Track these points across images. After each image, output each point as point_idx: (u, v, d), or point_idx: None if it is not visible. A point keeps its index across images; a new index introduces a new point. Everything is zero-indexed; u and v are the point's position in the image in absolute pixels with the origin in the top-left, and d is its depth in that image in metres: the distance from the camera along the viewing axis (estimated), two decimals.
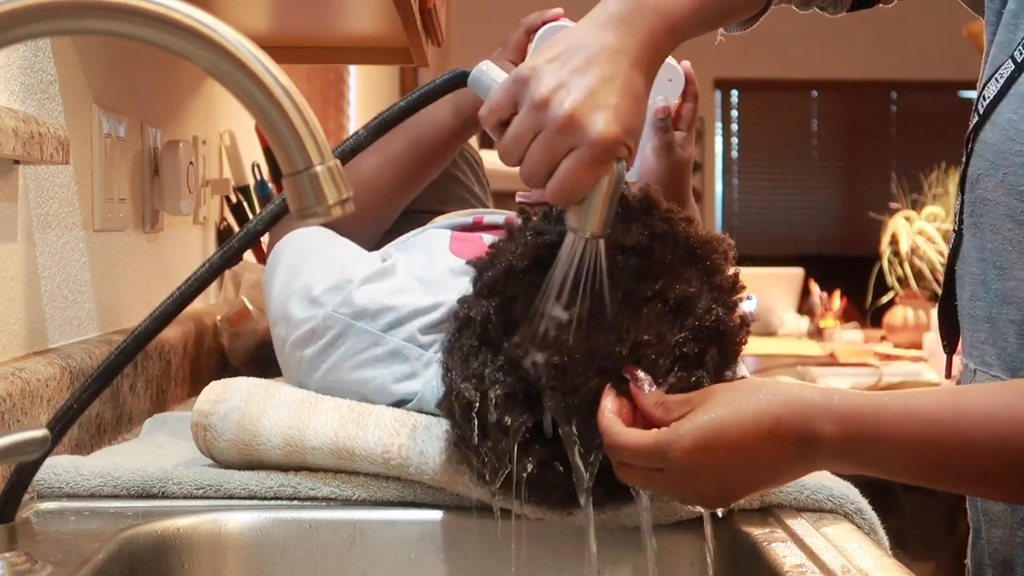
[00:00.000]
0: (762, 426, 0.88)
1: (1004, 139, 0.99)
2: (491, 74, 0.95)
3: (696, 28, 1.02)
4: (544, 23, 1.30)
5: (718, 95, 8.04)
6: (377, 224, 1.37)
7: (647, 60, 0.94)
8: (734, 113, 8.14)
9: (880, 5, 1.21)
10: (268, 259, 1.30)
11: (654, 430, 0.89)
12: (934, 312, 1.16)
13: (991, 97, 1.02)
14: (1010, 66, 1.01)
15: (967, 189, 1.04)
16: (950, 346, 1.13)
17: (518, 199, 1.01)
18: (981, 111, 1.03)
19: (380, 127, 0.94)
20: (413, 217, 1.56)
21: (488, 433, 0.96)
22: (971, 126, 1.04)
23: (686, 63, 1.25)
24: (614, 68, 0.91)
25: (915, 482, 0.96)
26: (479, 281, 0.99)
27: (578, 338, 0.92)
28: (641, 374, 0.92)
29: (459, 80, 0.96)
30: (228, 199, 2.08)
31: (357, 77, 4.04)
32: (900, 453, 0.89)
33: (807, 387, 0.91)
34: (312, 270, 1.22)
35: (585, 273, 0.92)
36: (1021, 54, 1.00)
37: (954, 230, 1.08)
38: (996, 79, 1.02)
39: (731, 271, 1.00)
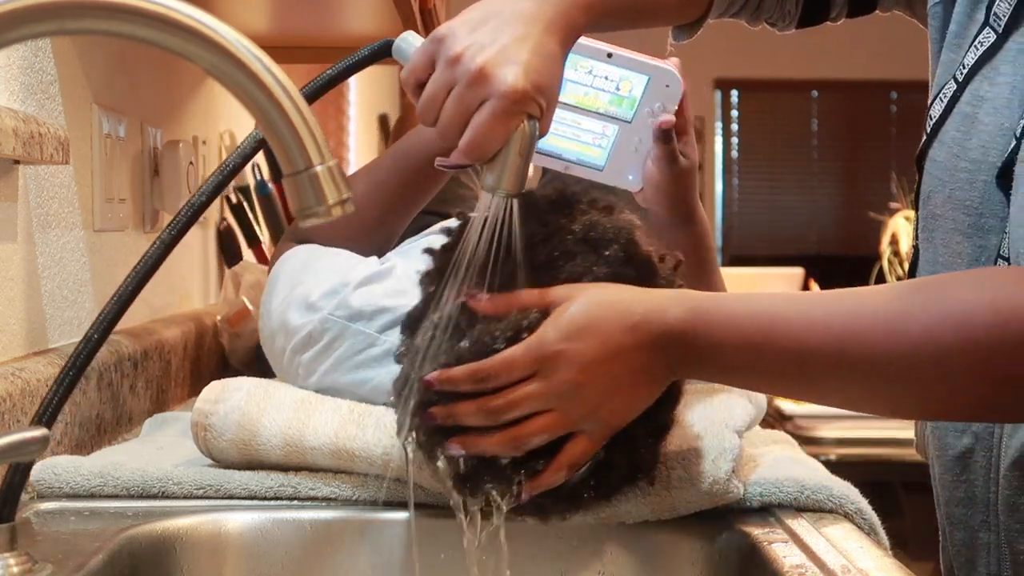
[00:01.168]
0: (627, 319, 0.91)
1: (950, 156, 1.02)
2: (413, 42, 0.97)
3: (615, 15, 1.05)
4: None
5: (718, 95, 8.04)
6: (374, 246, 1.34)
7: (562, 28, 0.97)
8: (734, 113, 8.14)
9: (828, 23, 1.22)
10: (268, 277, 1.29)
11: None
12: None
13: (936, 116, 1.05)
14: (952, 86, 1.04)
15: (920, 206, 1.07)
16: None
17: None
18: (928, 130, 1.05)
19: (309, 96, 0.95)
20: (416, 218, 1.56)
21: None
22: (920, 145, 1.06)
23: (674, 60, 1.22)
24: (527, 29, 0.94)
25: (756, 384, 0.99)
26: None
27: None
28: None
29: (384, 50, 0.98)
30: (228, 199, 2.08)
31: (357, 77, 4.04)
32: (736, 340, 0.91)
33: (662, 290, 0.95)
34: (310, 280, 1.22)
35: (500, 231, 0.93)
36: (962, 74, 1.03)
37: (912, 245, 1.10)
38: (941, 98, 1.05)
39: (639, 253, 0.98)
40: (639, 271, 0.97)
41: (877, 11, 1.20)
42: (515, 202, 0.94)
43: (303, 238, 1.32)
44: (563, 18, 0.97)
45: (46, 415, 0.88)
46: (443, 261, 0.98)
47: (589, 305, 0.92)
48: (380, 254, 1.33)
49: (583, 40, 1.14)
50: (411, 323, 0.98)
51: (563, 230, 0.97)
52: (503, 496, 0.95)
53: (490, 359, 0.91)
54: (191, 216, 0.94)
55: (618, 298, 0.93)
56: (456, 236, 0.99)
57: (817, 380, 0.93)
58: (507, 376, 0.91)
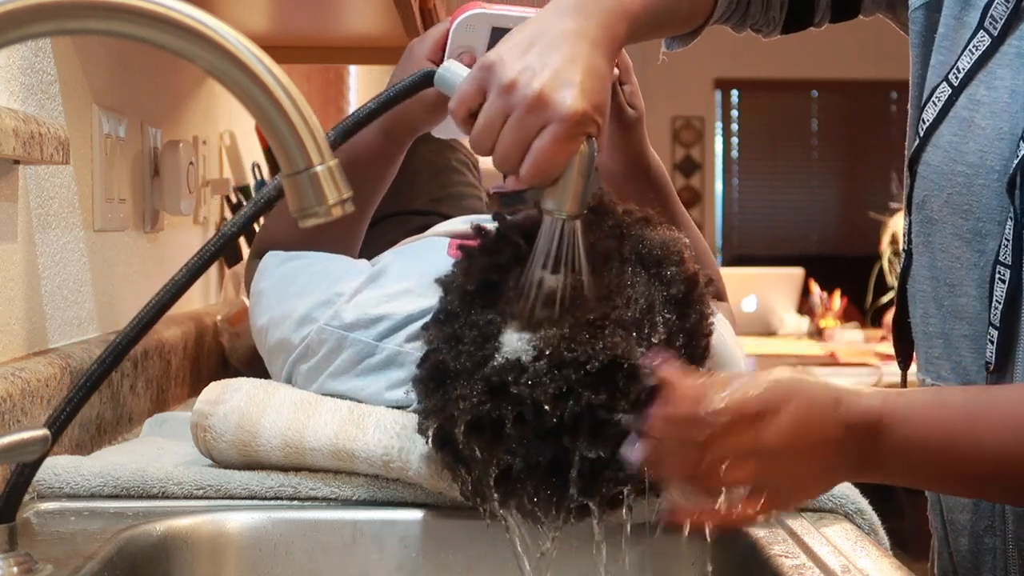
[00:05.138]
0: (830, 404, 0.87)
1: (947, 160, 1.02)
2: (457, 71, 0.96)
3: (650, 25, 1.05)
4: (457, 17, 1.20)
5: (718, 95, 8.04)
6: (340, 243, 1.32)
7: (606, 43, 0.97)
8: (734, 113, 8.14)
9: (812, 29, 1.22)
10: (250, 296, 1.28)
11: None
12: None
13: (930, 120, 1.05)
14: (947, 89, 1.04)
15: (914, 210, 1.07)
16: (904, 361, 1.15)
17: (492, 191, 1.01)
18: (921, 134, 1.05)
19: (351, 128, 0.95)
20: (409, 218, 1.55)
21: (464, 458, 0.97)
22: (912, 148, 1.06)
23: None
24: (575, 50, 0.94)
25: (937, 490, 0.99)
26: (441, 305, 0.99)
27: (564, 316, 0.93)
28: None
29: (426, 80, 0.98)
30: (228, 199, 2.08)
31: (357, 77, 4.04)
32: (922, 444, 0.88)
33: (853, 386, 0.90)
34: (298, 292, 1.21)
35: (565, 254, 0.93)
36: (956, 78, 1.03)
37: (903, 250, 1.10)
38: (934, 102, 1.04)
39: (688, 271, 0.99)
40: (688, 288, 0.98)
41: (860, 16, 1.21)
42: (578, 224, 0.93)
43: (264, 250, 1.30)
44: (607, 32, 0.97)
45: (55, 426, 0.88)
46: (484, 262, 0.97)
47: (802, 405, 0.87)
48: (351, 254, 1.32)
49: (509, 10, 1.13)
50: (446, 318, 0.97)
51: (615, 252, 0.97)
52: (538, 507, 0.95)
53: (716, 406, 0.86)
54: (219, 247, 0.93)
55: (822, 392, 0.88)
56: (495, 238, 0.98)
57: (997, 498, 0.96)
58: (732, 421, 0.86)
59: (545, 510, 0.95)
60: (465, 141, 1.26)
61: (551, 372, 0.91)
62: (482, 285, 0.97)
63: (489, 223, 1.02)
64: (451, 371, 0.95)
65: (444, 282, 1.00)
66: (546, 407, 0.91)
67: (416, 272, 1.18)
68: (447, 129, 1.23)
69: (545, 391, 0.91)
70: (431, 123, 1.24)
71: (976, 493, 0.99)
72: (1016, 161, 0.96)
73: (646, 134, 1.30)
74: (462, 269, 0.99)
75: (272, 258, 1.27)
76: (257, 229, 2.13)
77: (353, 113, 0.96)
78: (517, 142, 0.91)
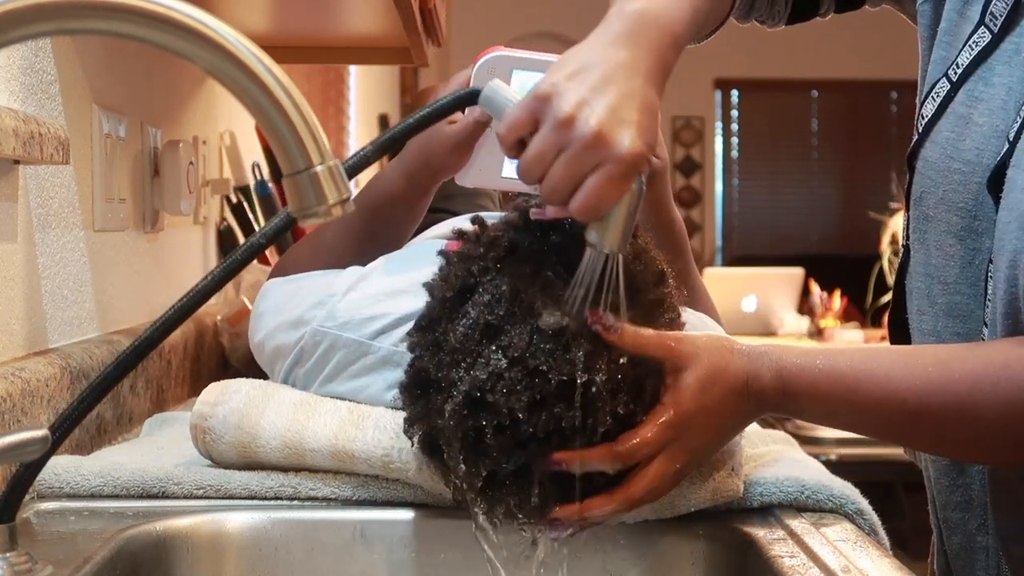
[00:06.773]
0: (735, 386, 0.96)
1: (943, 157, 1.02)
2: (504, 93, 0.95)
3: (691, 39, 1.05)
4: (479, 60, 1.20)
5: (718, 95, 8.04)
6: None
7: (657, 74, 0.96)
8: (734, 113, 8.15)
9: (817, 18, 1.22)
10: (252, 314, 1.28)
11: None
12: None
13: (929, 116, 1.05)
14: (945, 85, 1.04)
15: (911, 206, 1.07)
16: None
17: (533, 217, 0.99)
18: (921, 129, 1.05)
19: (387, 143, 0.94)
20: None
21: (449, 464, 0.97)
22: (912, 144, 1.06)
23: None
24: (631, 84, 0.92)
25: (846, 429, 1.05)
26: (423, 318, 0.99)
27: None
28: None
29: (470, 98, 0.96)
30: (228, 199, 2.08)
31: (357, 77, 4.05)
32: (818, 405, 0.99)
33: (754, 348, 1.00)
34: (294, 302, 1.21)
35: (606, 288, 0.92)
36: (955, 73, 1.03)
37: (902, 245, 1.10)
38: (933, 98, 1.05)
39: (659, 291, 1.00)
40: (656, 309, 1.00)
41: (866, 7, 1.20)
42: (620, 258, 0.93)
43: (281, 275, 1.31)
44: (658, 63, 0.96)
45: (59, 430, 0.87)
46: (461, 269, 0.97)
47: (706, 373, 0.96)
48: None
49: (532, 55, 1.13)
50: (428, 324, 0.98)
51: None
52: (523, 515, 0.95)
53: (626, 443, 0.93)
54: (248, 254, 0.92)
55: (727, 364, 0.97)
56: (473, 242, 0.98)
57: (889, 438, 1.05)
58: (642, 455, 0.94)
59: (531, 516, 0.95)
60: (484, 182, 1.25)
61: (524, 380, 0.91)
62: (460, 292, 0.97)
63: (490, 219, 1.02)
64: (433, 379, 0.96)
65: (429, 286, 1.00)
66: (521, 416, 0.91)
67: (410, 272, 1.18)
68: (469, 176, 1.23)
69: (520, 399, 0.91)
70: (453, 169, 1.23)
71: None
72: (997, 159, 0.96)
73: (669, 184, 1.29)
74: (441, 275, 0.99)
75: (273, 282, 1.28)
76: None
77: (391, 129, 0.94)
78: (570, 177, 0.90)
